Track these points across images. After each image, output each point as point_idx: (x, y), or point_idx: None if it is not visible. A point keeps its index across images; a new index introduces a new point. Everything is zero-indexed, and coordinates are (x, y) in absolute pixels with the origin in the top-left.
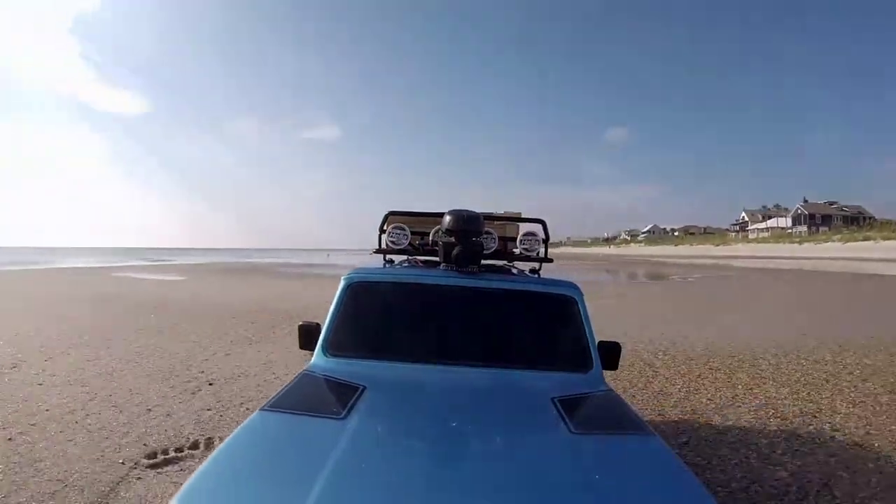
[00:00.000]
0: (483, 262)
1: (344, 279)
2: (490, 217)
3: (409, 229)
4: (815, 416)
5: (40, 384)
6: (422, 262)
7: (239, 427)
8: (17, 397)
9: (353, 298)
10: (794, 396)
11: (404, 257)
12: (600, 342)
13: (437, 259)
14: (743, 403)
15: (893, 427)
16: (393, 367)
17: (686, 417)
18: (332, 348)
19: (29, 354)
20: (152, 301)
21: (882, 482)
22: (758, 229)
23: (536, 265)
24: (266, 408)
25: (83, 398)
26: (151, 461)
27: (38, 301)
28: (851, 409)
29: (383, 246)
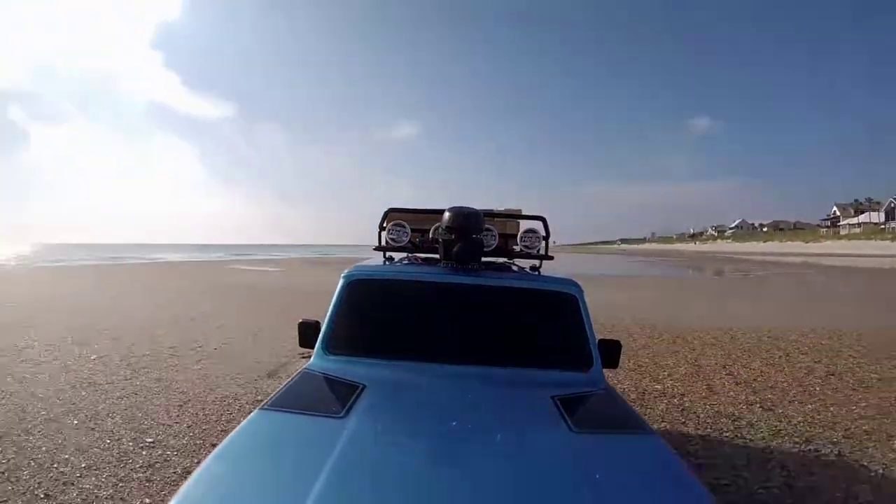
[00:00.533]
0: (483, 259)
1: (343, 277)
2: (490, 214)
3: (409, 226)
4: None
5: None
6: (422, 259)
7: (239, 426)
8: (219, 337)
9: (353, 296)
10: (699, 352)
11: (404, 254)
12: (601, 340)
13: (437, 256)
14: (670, 355)
15: None
16: (393, 365)
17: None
18: (331, 346)
19: (228, 318)
20: (275, 286)
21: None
22: (849, 224)
23: (537, 262)
24: (266, 407)
25: (254, 332)
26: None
27: (199, 288)
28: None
29: (383, 243)
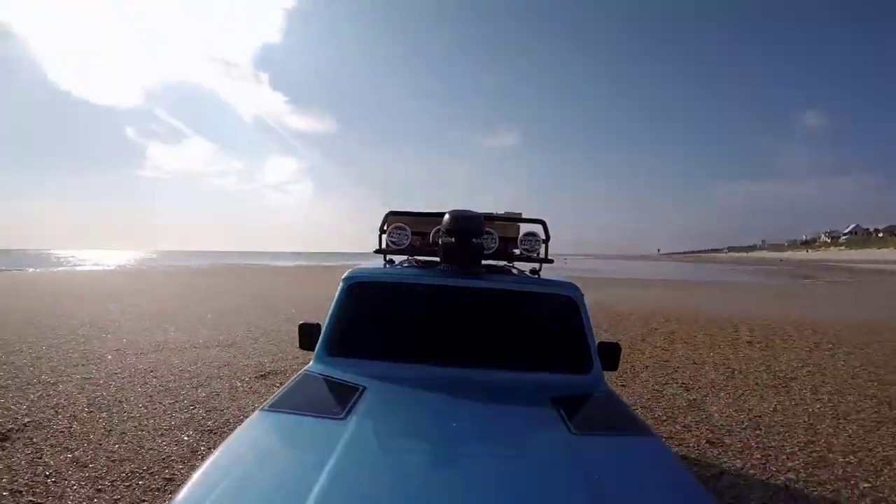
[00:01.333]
0: (483, 262)
1: (344, 279)
2: (490, 217)
3: (410, 229)
4: None
5: None
6: (422, 262)
7: (239, 427)
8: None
9: (354, 299)
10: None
11: (405, 257)
12: (600, 343)
13: (437, 259)
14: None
15: None
16: (393, 367)
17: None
18: (332, 348)
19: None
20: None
21: None
22: None
23: (537, 266)
24: (266, 408)
25: None
26: None
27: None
28: None
29: (384, 246)
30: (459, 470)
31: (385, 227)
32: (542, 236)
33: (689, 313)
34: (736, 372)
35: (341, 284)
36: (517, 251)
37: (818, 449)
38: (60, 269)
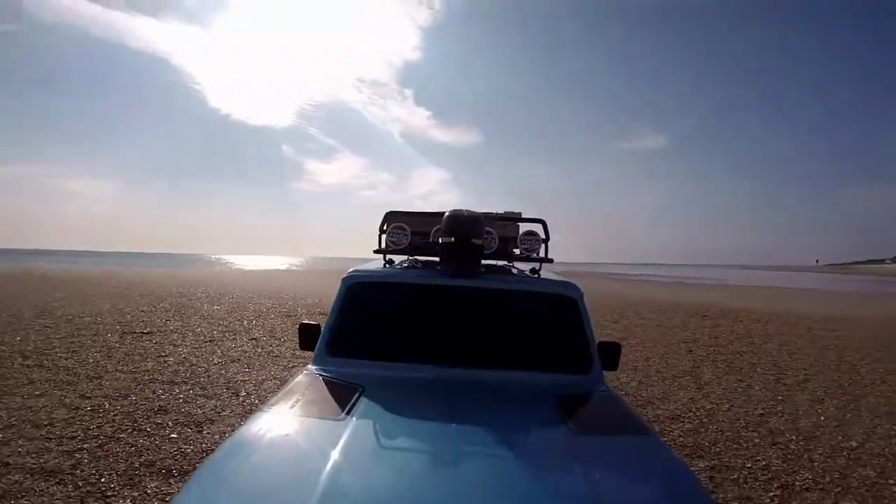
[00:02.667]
0: (483, 262)
1: (343, 280)
2: (490, 217)
3: (410, 230)
4: None
5: None
6: (422, 262)
7: (239, 427)
8: None
9: (354, 299)
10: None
11: (404, 258)
12: (600, 342)
13: (437, 259)
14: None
15: None
16: (393, 367)
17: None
18: (332, 349)
19: None
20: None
21: None
22: None
23: (537, 265)
24: (266, 408)
25: None
26: None
27: None
28: None
29: (383, 246)
30: (459, 470)
31: (384, 227)
32: (542, 236)
33: None
34: None
35: (341, 285)
36: (517, 251)
37: None
38: (234, 267)
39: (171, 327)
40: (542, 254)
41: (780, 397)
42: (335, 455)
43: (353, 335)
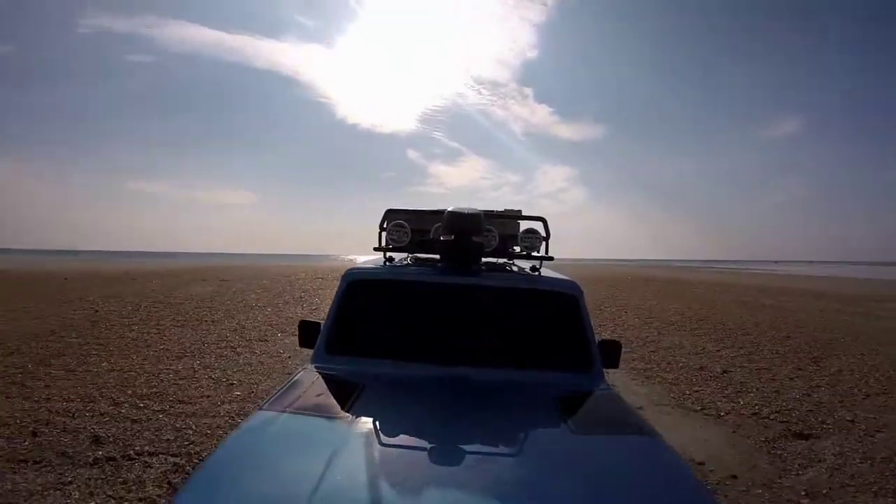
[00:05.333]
0: (483, 260)
1: (343, 277)
2: (490, 215)
3: (410, 227)
4: None
5: None
6: (422, 260)
7: (239, 426)
8: None
9: (354, 297)
10: None
11: (405, 255)
12: (601, 341)
13: (437, 257)
14: None
15: None
16: (393, 365)
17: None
18: (332, 346)
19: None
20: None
21: None
22: None
23: (537, 263)
24: (266, 407)
25: None
26: None
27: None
28: None
29: (383, 244)
30: (459, 469)
31: (385, 225)
32: (543, 234)
33: None
34: None
35: (341, 282)
36: (517, 249)
37: None
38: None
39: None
40: (542, 251)
41: None
42: (335, 454)
43: (352, 333)
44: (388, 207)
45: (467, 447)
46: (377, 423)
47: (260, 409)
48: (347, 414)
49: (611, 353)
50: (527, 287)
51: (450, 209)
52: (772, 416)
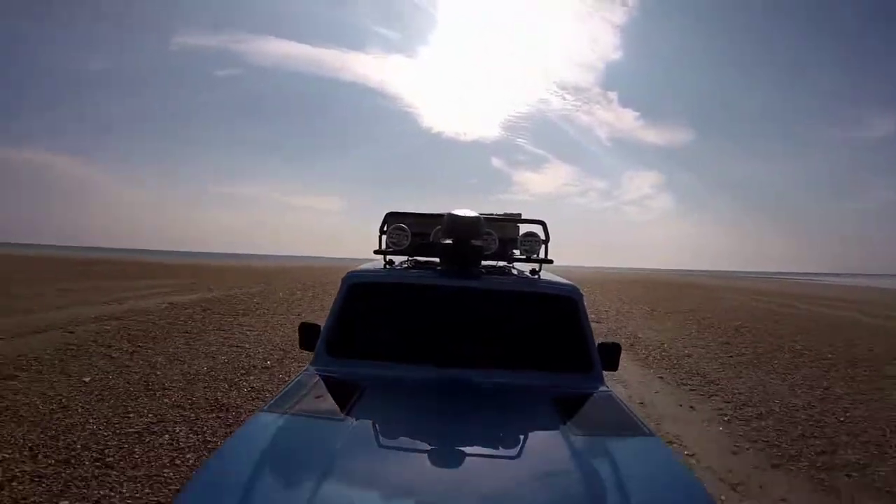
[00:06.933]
0: (483, 263)
1: (343, 280)
2: (490, 218)
3: (410, 230)
4: None
5: None
6: (422, 263)
7: (239, 428)
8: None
9: (354, 299)
10: None
11: (404, 258)
12: (600, 343)
13: (437, 260)
14: None
15: None
16: (392, 368)
17: None
18: (332, 349)
19: None
20: None
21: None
22: None
23: (536, 266)
24: (266, 409)
25: None
26: None
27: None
28: None
29: (383, 247)
30: (459, 471)
31: (385, 228)
32: (542, 237)
33: None
34: None
35: (342, 285)
36: (517, 252)
37: None
38: None
39: None
40: (542, 255)
41: None
42: (335, 455)
43: (352, 336)
44: (389, 211)
45: (467, 449)
46: (377, 425)
47: (261, 410)
48: (347, 416)
49: (610, 355)
50: (526, 290)
51: (449, 212)
52: None
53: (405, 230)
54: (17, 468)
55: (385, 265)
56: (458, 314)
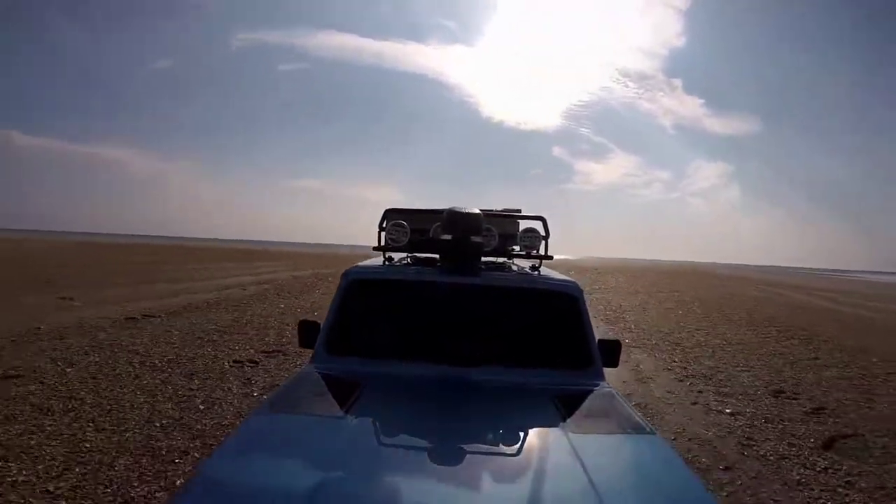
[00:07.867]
0: (483, 259)
1: (343, 277)
2: (490, 214)
3: (409, 226)
4: None
5: None
6: (421, 259)
7: (239, 426)
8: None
9: (353, 297)
10: None
11: (404, 255)
12: (600, 340)
13: (436, 257)
14: None
15: None
16: (392, 365)
17: None
18: (331, 346)
19: None
20: None
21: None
22: None
23: (536, 262)
24: (265, 407)
25: None
26: None
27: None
28: None
29: (383, 243)
30: (459, 468)
31: (384, 224)
32: (542, 233)
33: None
34: None
35: (341, 282)
36: (517, 248)
37: None
38: None
39: None
40: (542, 251)
41: None
42: (335, 453)
43: (352, 333)
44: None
45: (467, 446)
46: (377, 422)
47: (260, 409)
48: (347, 414)
49: (610, 352)
50: (526, 286)
51: (449, 209)
52: None
53: (404, 226)
54: (282, 320)
55: (384, 262)
56: (458, 311)
